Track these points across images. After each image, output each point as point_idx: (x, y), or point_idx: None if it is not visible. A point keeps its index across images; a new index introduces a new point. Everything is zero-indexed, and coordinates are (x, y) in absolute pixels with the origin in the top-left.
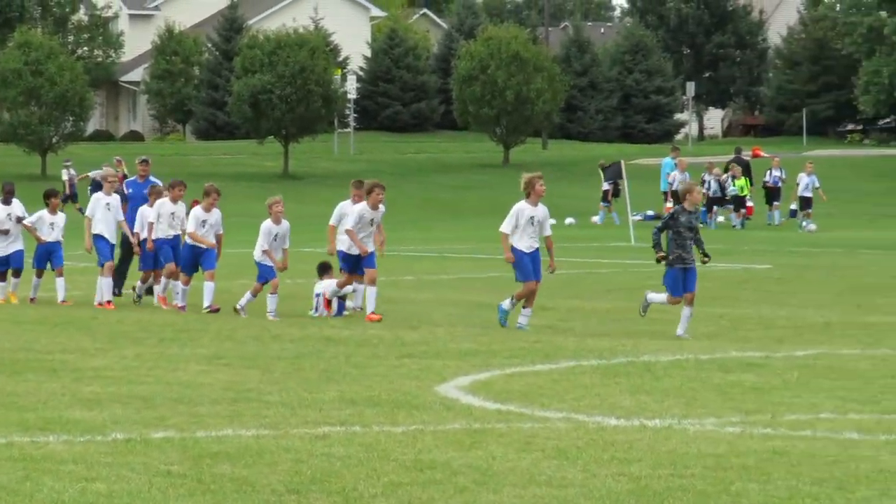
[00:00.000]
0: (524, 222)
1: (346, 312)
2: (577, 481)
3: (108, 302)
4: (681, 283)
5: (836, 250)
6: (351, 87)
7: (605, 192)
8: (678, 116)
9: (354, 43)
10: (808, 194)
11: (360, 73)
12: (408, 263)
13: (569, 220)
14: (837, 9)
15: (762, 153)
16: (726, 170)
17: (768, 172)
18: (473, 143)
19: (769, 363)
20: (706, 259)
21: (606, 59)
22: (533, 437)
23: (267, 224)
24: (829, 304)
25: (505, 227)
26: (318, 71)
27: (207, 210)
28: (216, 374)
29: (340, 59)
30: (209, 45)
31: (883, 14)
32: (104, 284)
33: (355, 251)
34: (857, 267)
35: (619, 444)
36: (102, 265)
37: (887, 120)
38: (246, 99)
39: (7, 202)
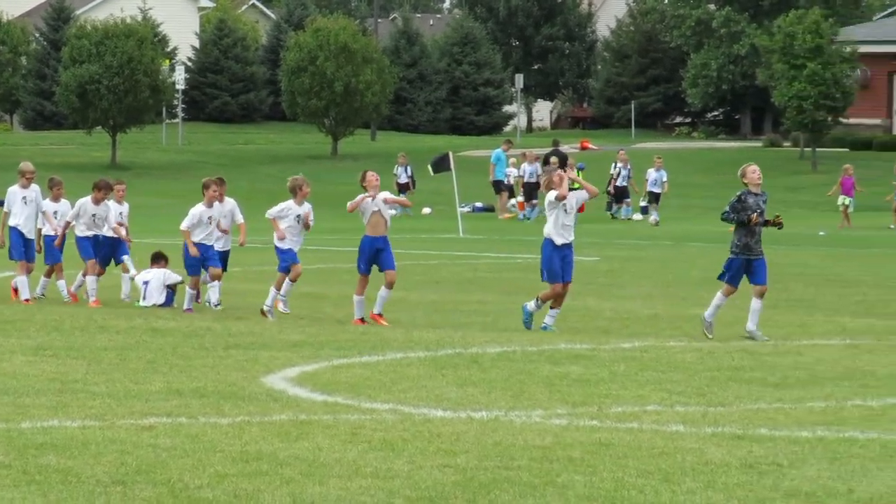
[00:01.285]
0: (559, 210)
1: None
2: (403, 473)
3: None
4: (741, 274)
5: (665, 243)
6: (179, 78)
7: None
8: (507, 108)
9: (183, 33)
10: (658, 189)
11: (189, 63)
12: (235, 255)
13: (426, 210)
14: (666, 1)
15: (591, 145)
16: (546, 162)
17: (613, 165)
18: (302, 134)
19: (596, 355)
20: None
21: (435, 51)
22: (359, 429)
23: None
24: (657, 297)
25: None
26: (146, 61)
27: (209, 205)
28: (42, 365)
29: (169, 49)
30: (37, 34)
31: (711, 7)
32: (20, 282)
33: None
34: (685, 260)
35: (446, 436)
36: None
37: (715, 113)
38: (74, 89)
39: None
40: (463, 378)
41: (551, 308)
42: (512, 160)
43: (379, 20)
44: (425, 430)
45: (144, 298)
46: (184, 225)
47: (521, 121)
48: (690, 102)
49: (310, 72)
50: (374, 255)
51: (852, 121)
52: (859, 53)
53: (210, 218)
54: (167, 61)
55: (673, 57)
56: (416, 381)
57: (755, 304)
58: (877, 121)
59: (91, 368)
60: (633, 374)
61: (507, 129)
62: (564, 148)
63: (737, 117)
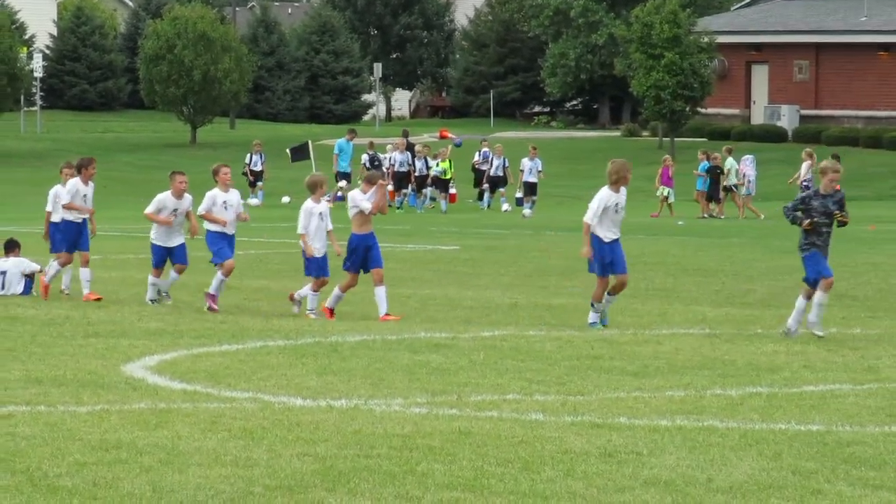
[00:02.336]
0: (610, 209)
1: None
2: (263, 461)
3: None
4: (820, 266)
5: (524, 232)
6: (37, 66)
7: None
8: (366, 97)
9: (40, 21)
10: (534, 179)
11: (47, 51)
12: (94, 243)
13: (285, 199)
14: None
15: (450, 134)
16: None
17: (477, 153)
18: (161, 122)
19: (456, 344)
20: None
21: (294, 40)
22: (219, 417)
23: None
24: (516, 286)
25: (589, 216)
26: (3, 49)
27: (225, 190)
28: None
29: (26, 37)
30: None
31: None
32: None
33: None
34: (544, 249)
35: (305, 425)
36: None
37: (574, 102)
38: None
39: None
40: (322, 366)
41: (609, 294)
42: (389, 146)
43: (237, 8)
44: (285, 418)
45: (2, 288)
46: (201, 209)
47: (380, 110)
48: (549, 92)
49: (168, 60)
50: (365, 252)
51: (710, 111)
52: (717, 43)
53: (225, 202)
54: (25, 49)
55: (531, 46)
56: (276, 370)
57: (819, 297)
58: (735, 111)
59: None
60: (492, 362)
61: (366, 118)
62: (421, 137)
63: (595, 107)
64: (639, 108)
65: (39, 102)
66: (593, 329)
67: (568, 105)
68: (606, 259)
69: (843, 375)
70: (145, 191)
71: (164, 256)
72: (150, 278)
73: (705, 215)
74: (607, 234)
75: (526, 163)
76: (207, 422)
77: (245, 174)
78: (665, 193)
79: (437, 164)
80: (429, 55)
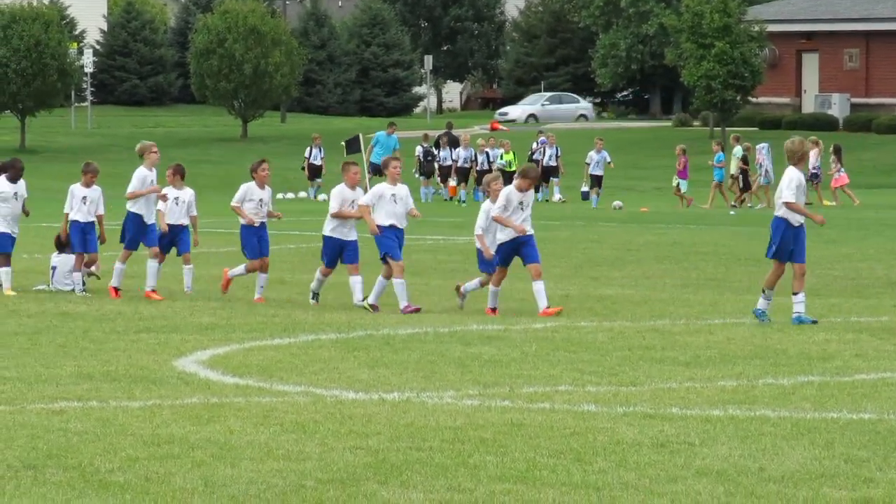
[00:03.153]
0: (801, 188)
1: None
2: (315, 455)
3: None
4: None
5: (576, 223)
6: (87, 61)
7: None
8: (417, 90)
9: (91, 16)
10: (600, 172)
11: (97, 46)
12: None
13: (322, 197)
14: None
15: (501, 126)
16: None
17: (535, 143)
18: (211, 116)
19: (508, 336)
20: None
21: (344, 33)
22: (271, 411)
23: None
24: (567, 277)
25: (788, 195)
26: (53, 45)
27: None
28: None
29: (76, 32)
30: None
31: None
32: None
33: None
34: (595, 240)
35: (357, 418)
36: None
37: (625, 93)
38: None
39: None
40: (374, 359)
41: (768, 289)
42: (480, 142)
43: (287, 2)
44: (337, 411)
45: (52, 283)
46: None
47: (431, 102)
48: (600, 83)
49: (218, 54)
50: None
51: (761, 100)
52: (768, 32)
53: (262, 200)
54: (75, 44)
55: (582, 37)
56: (328, 363)
57: None
58: (786, 100)
59: (1, 353)
60: (544, 354)
61: (417, 110)
62: (472, 129)
63: (646, 97)
64: (690, 97)
65: (90, 98)
66: (759, 318)
67: (619, 96)
68: (790, 245)
69: (895, 364)
70: (196, 185)
71: (336, 251)
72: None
73: (734, 204)
74: (797, 218)
75: (592, 156)
76: (260, 416)
77: (304, 168)
78: (677, 184)
79: (501, 157)
80: (479, 47)
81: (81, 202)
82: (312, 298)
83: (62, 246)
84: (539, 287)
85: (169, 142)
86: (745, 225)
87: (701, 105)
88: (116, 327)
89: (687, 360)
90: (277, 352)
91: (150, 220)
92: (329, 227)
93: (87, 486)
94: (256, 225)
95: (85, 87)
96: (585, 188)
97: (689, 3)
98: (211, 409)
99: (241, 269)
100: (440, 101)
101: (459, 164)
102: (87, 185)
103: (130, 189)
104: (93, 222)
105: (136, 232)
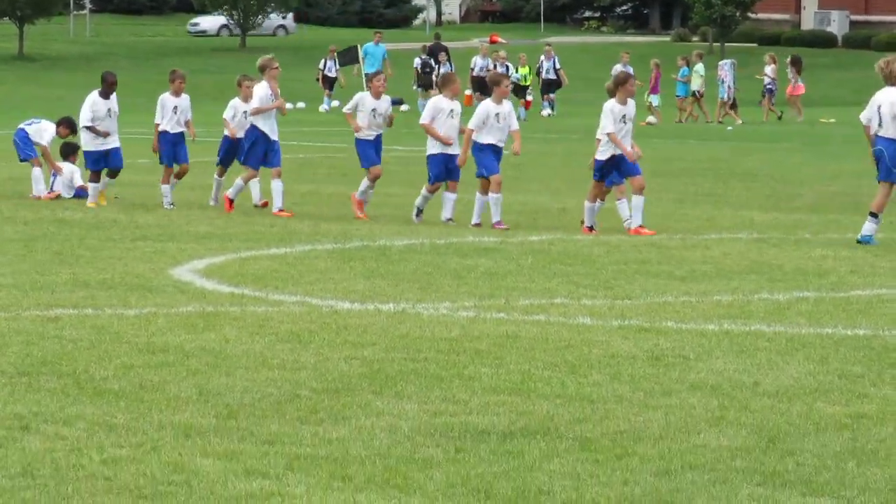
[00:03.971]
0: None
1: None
2: (310, 364)
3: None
4: None
5: (573, 136)
6: None
7: (330, 79)
8: (416, 2)
9: None
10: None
11: None
12: (144, 147)
13: (300, 105)
14: None
15: (500, 38)
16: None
17: (541, 61)
18: None
19: (504, 248)
20: None
21: None
22: (266, 321)
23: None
24: (565, 191)
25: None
26: None
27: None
28: None
29: None
30: None
31: None
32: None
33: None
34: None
35: (353, 328)
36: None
37: (624, 7)
38: None
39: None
40: (370, 270)
41: (878, 212)
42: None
43: None
44: (332, 322)
45: (51, 190)
46: (254, 103)
47: (431, 14)
48: None
49: None
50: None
51: (760, 16)
52: None
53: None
54: None
55: None
56: (324, 274)
57: None
58: (785, 16)
59: None
60: (540, 267)
61: (417, 22)
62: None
63: (645, 11)
64: (689, 13)
65: (89, 6)
66: (868, 243)
67: (618, 10)
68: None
69: (890, 280)
70: (195, 95)
71: (442, 167)
72: (424, 191)
73: (720, 121)
74: None
75: (619, 68)
76: (255, 325)
77: (318, 80)
78: (650, 101)
79: (517, 70)
80: None
81: (172, 112)
82: (416, 216)
83: (66, 155)
84: (638, 203)
85: (168, 51)
86: (744, 141)
87: (700, 20)
88: (112, 235)
89: (683, 275)
90: (274, 261)
91: (273, 136)
92: (432, 146)
93: (81, 394)
94: (373, 138)
95: None
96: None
97: None
98: (206, 318)
99: (364, 184)
100: (439, 14)
101: (475, 72)
102: (177, 93)
103: (253, 105)
104: (182, 133)
105: (260, 149)
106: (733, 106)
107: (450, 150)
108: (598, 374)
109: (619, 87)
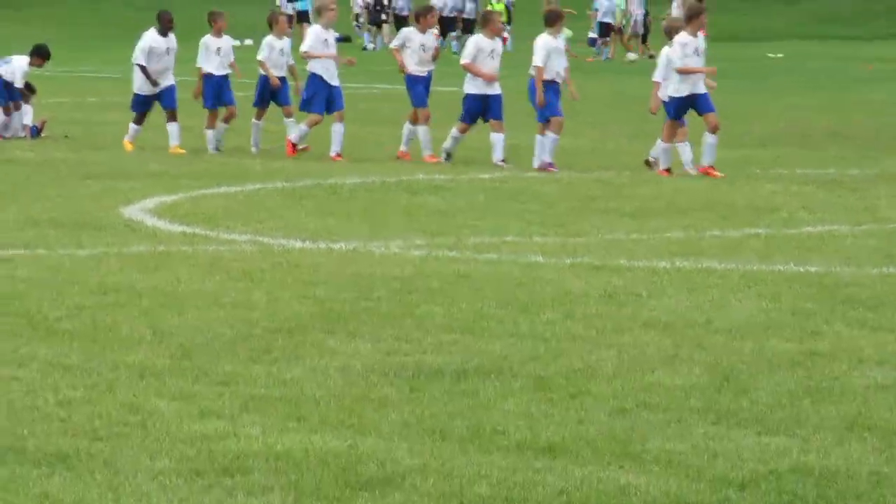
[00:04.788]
0: None
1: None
2: (262, 304)
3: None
4: None
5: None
6: None
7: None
8: None
9: None
10: (610, 20)
11: None
12: (91, 84)
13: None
14: None
15: None
16: None
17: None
18: None
19: (455, 186)
20: None
21: None
22: (218, 260)
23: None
24: (517, 127)
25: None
26: None
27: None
28: None
29: None
30: None
31: None
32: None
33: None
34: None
35: (304, 267)
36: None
37: None
38: None
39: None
40: (321, 208)
41: None
42: None
43: None
44: (284, 260)
45: (6, 130)
46: (306, 46)
47: None
48: None
49: None
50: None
51: None
52: None
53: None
54: None
55: None
56: (275, 212)
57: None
58: None
59: None
60: (491, 204)
61: None
62: None
63: None
64: None
65: None
66: None
67: None
68: None
69: (841, 216)
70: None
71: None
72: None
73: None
74: None
75: (603, 2)
76: (206, 264)
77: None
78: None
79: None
80: None
81: (216, 54)
82: (446, 158)
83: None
84: (713, 141)
85: None
86: None
87: None
88: (61, 174)
89: (633, 212)
90: (225, 200)
91: (333, 81)
92: (471, 85)
93: (34, 334)
94: (425, 74)
95: None
96: (593, 35)
97: None
98: (158, 258)
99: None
100: None
101: (446, 13)
102: (218, 34)
103: (305, 48)
104: (227, 75)
105: (319, 93)
106: (644, 38)
107: (489, 90)
108: (551, 313)
109: (692, 19)
